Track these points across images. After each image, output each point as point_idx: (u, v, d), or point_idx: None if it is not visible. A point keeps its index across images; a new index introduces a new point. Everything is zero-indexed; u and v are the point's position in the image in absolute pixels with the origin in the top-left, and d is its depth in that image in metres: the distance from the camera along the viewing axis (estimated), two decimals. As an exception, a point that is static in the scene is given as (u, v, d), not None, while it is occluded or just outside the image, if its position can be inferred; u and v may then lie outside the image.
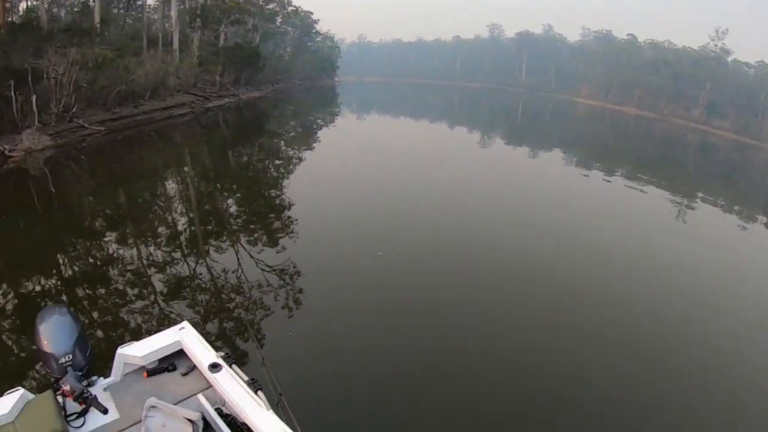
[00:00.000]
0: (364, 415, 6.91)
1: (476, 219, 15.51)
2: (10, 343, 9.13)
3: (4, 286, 11.46)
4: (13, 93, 24.21)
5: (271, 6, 70.40)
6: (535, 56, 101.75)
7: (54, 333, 4.44)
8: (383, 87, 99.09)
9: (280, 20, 77.05)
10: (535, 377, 8.11)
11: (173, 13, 45.65)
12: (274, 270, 11.39)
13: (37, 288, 11.27)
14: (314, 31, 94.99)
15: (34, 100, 25.24)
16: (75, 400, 4.04)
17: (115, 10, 50.91)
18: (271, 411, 3.87)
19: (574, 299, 11.04)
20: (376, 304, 10.08)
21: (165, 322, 9.27)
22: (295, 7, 76.88)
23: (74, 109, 28.34)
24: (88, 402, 4.02)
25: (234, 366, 4.41)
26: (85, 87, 29.66)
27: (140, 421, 3.97)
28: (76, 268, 12.61)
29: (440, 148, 28.83)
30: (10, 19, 29.24)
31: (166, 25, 48.70)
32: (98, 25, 36.94)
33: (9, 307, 10.40)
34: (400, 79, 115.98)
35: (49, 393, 4.22)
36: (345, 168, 22.42)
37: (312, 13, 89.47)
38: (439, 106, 60.78)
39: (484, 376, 7.98)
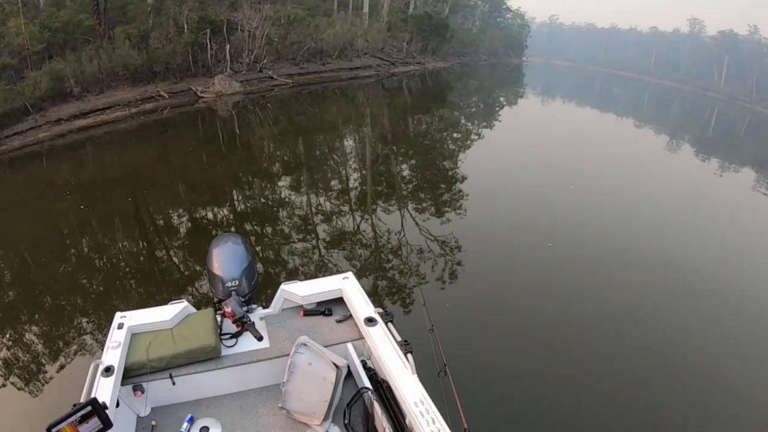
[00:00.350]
0: (520, 404, 6.38)
1: (658, 233, 13.68)
2: (180, 260, 9.78)
3: (182, 209, 12.44)
4: (208, 41, 26.52)
5: (461, -22, 69.76)
6: (737, 60, 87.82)
7: (226, 258, 4.64)
8: (571, 72, 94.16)
9: (470, -8, 76.10)
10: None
11: (365, -22, 46.66)
12: (436, 240, 11.05)
13: (211, 216, 12.10)
14: (504, 6, 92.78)
15: (227, 49, 27.32)
16: (234, 322, 4.17)
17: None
18: (416, 376, 3.72)
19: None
20: (539, 297, 9.25)
21: (323, 269, 9.41)
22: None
23: (264, 61, 30.43)
24: (245, 326, 4.13)
25: (390, 324, 4.30)
26: (276, 41, 31.77)
27: (288, 355, 4.05)
28: (249, 204, 13.35)
29: (625, 148, 26.54)
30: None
31: (357, -12, 50.03)
32: (292, -16, 38.79)
33: (184, 229, 11.23)
34: (589, 67, 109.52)
35: (210, 310, 4.50)
36: (523, 151, 21.34)
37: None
38: (627, 102, 56.23)
39: (653, 385, 7.04)
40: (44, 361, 6.62)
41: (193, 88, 25.51)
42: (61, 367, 6.51)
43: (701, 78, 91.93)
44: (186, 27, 26.33)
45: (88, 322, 7.53)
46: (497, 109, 35.88)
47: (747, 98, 78.14)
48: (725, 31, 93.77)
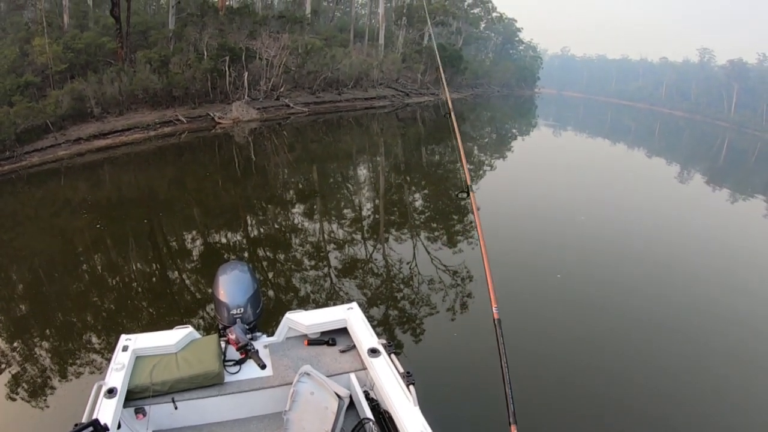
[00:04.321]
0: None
1: (673, 267, 13.39)
2: (190, 284, 9.82)
3: (195, 233, 12.61)
4: (227, 68, 27.04)
5: (475, 11, 70.80)
6: (746, 89, 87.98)
7: (232, 285, 4.74)
8: (583, 104, 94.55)
9: (483, 25, 76.97)
10: None
11: (380, 10, 47.98)
12: (448, 270, 11.00)
13: (224, 240, 12.22)
14: (517, 39, 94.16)
15: (246, 77, 27.82)
16: (238, 349, 4.26)
17: (325, 3, 55.44)
18: (418, 408, 3.70)
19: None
20: (546, 330, 9.17)
21: (333, 297, 9.37)
22: (499, 13, 76.27)
23: (281, 89, 31.00)
24: (249, 354, 4.24)
25: (393, 356, 4.30)
26: (293, 70, 32.41)
27: (291, 384, 4.05)
28: (262, 230, 13.41)
29: (637, 178, 26.51)
30: (228, 3, 32.47)
31: (373, 20, 51.36)
32: (309, 15, 40.10)
33: (196, 252, 11.30)
34: (601, 98, 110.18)
35: (214, 337, 4.52)
36: (534, 182, 21.37)
37: (516, 21, 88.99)
38: (639, 132, 56.41)
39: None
40: (48, 378, 6.63)
41: (211, 114, 25.91)
42: (65, 385, 6.52)
43: (711, 107, 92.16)
44: (206, 53, 26.88)
45: (94, 342, 7.55)
46: (510, 139, 36.03)
47: (757, 126, 77.64)
48: (734, 60, 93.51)
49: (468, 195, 4.39)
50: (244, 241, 12.25)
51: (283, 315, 4.83)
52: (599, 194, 20.62)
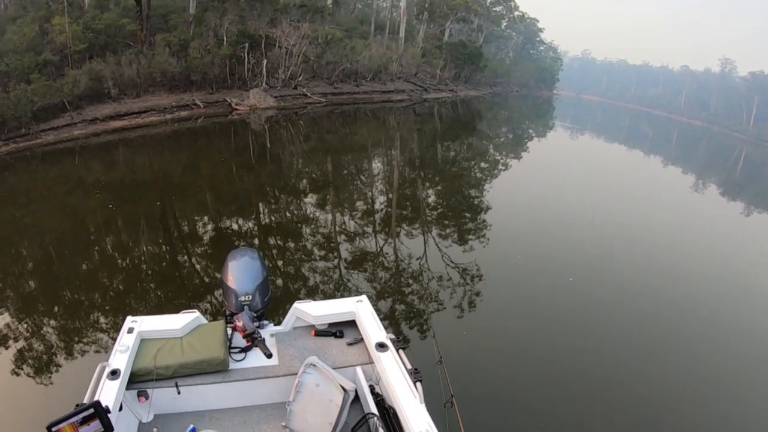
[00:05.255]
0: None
1: (686, 274, 13.18)
2: (199, 268, 9.79)
3: (207, 218, 12.63)
4: (246, 55, 27.03)
5: (497, 9, 70.20)
6: (767, 102, 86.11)
7: (241, 272, 4.65)
8: (601, 108, 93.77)
9: (505, 24, 76.39)
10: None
11: (402, 4, 47.68)
12: (457, 267, 10.90)
13: (235, 226, 12.18)
14: (538, 39, 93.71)
15: (264, 64, 27.81)
16: (244, 337, 4.15)
17: (347, -6, 54.39)
18: (424, 405, 3.63)
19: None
20: (557, 332, 9.02)
21: (341, 288, 9.30)
22: (521, 12, 75.49)
23: (299, 78, 30.98)
24: (255, 342, 4.11)
25: (401, 351, 4.22)
26: (312, 60, 32.43)
27: (296, 374, 4.00)
28: (274, 218, 13.36)
29: (652, 185, 26.29)
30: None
31: (394, 13, 51.02)
32: (330, 5, 39.90)
33: (206, 237, 11.29)
34: (619, 103, 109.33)
35: (221, 323, 4.46)
36: (550, 184, 21.14)
37: (537, 21, 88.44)
38: (656, 140, 55.84)
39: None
40: (53, 356, 6.63)
41: (228, 100, 25.96)
42: (68, 363, 6.51)
43: (730, 119, 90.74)
44: (225, 39, 26.88)
45: (100, 322, 7.54)
46: (526, 140, 35.76)
47: (775, 140, 76.23)
48: (756, 71, 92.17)
49: (452, 404, 3.81)
50: (255, 228, 12.21)
51: (291, 304, 4.76)
52: (613, 199, 20.40)
